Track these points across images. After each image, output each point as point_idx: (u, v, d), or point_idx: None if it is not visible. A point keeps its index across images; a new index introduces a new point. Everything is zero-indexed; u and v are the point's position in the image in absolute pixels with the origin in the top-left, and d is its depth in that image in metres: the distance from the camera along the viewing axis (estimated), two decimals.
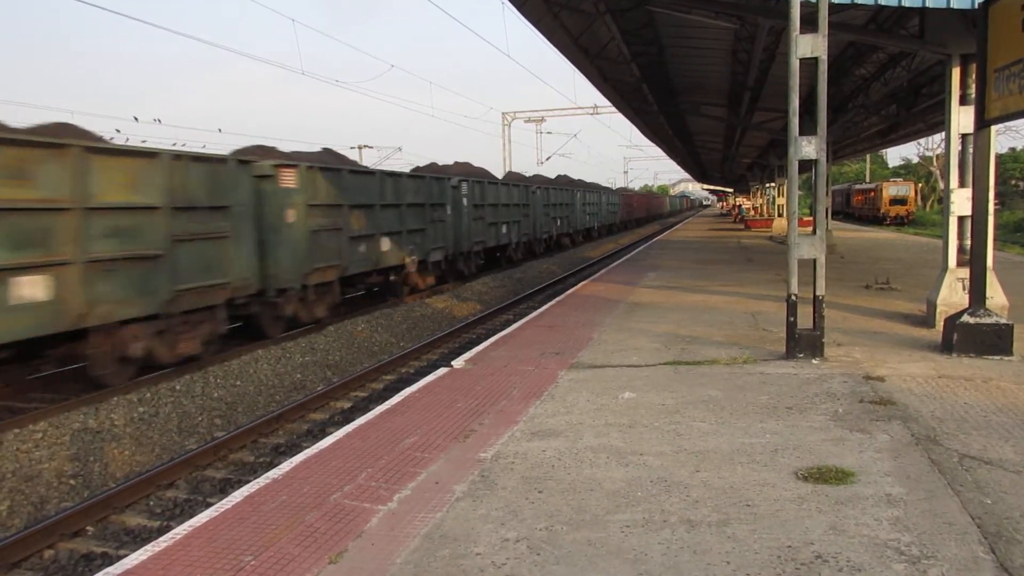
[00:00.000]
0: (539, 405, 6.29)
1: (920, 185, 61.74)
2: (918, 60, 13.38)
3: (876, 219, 49.80)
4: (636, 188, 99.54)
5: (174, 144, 20.06)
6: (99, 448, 7.66)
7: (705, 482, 4.50)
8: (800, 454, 4.92)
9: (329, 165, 13.61)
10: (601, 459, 4.95)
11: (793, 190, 7.80)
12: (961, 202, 8.62)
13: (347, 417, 8.74)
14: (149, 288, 9.29)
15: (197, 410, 9.04)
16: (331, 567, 3.63)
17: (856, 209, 56.66)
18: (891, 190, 50.28)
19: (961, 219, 8.75)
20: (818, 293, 7.59)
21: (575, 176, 50.53)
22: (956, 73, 8.61)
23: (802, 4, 7.38)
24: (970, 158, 8.29)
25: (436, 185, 18.05)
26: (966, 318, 7.63)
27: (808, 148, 7.50)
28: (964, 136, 8.55)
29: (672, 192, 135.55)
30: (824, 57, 7.32)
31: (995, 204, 10.65)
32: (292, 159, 13.09)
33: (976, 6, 7.46)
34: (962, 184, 8.66)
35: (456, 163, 23.79)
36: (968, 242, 8.30)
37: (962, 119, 8.52)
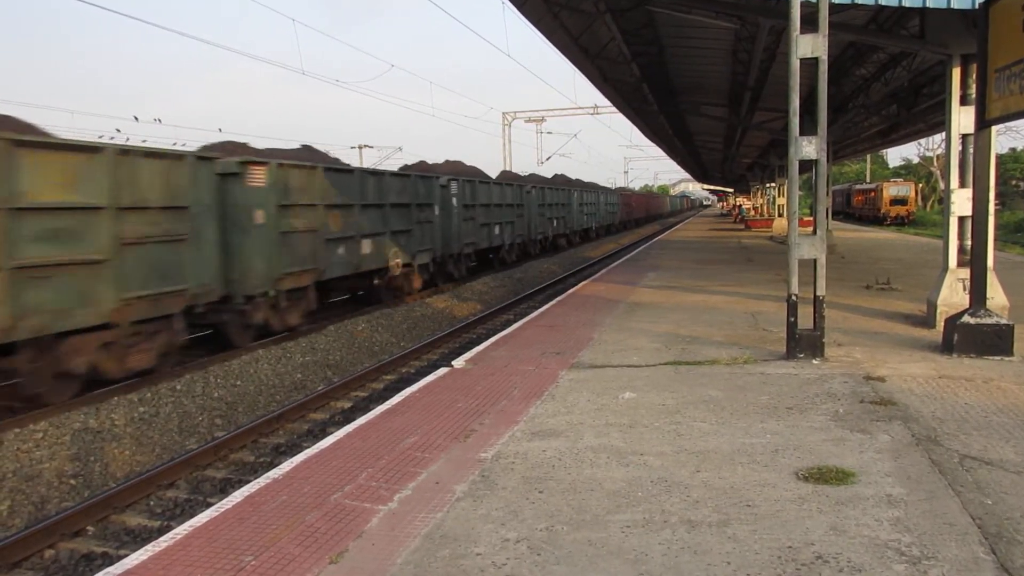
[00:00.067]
0: (540, 405, 6.29)
1: (920, 185, 61.72)
2: (918, 60, 13.37)
3: (876, 219, 49.79)
4: (636, 188, 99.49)
5: (174, 144, 20.02)
6: (99, 448, 7.66)
7: (705, 482, 4.50)
8: (801, 454, 4.92)
9: (302, 163, 12.86)
10: (601, 459, 4.95)
11: (793, 190, 7.80)
12: (961, 202, 8.62)
13: (347, 417, 8.74)
14: (92, 297, 8.44)
15: (197, 410, 9.04)
16: (331, 567, 3.63)
17: (856, 209, 56.64)
18: (891, 190, 50.27)
19: (961, 219, 8.75)
20: (818, 293, 7.59)
21: (576, 176, 50.59)
22: (956, 73, 8.61)
23: (802, 4, 7.38)
24: (970, 158, 8.28)
25: (423, 184, 17.37)
26: (967, 318, 7.63)
27: (808, 148, 7.50)
28: (964, 136, 8.55)
29: (672, 192, 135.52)
30: (824, 57, 7.31)
31: (995, 204, 10.64)
32: (264, 156, 12.44)
33: (976, 6, 7.45)
34: (962, 184, 8.66)
35: (447, 161, 23.23)
36: (968, 242, 8.30)
37: (962, 119, 8.52)
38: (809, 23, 7.37)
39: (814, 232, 7.91)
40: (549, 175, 36.58)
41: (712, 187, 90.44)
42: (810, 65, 7.49)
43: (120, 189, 8.84)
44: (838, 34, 8.61)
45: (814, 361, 7.53)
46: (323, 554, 3.76)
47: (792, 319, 7.61)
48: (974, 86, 8.09)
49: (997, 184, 12.69)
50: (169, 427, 8.48)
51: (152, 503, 6.69)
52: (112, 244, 8.72)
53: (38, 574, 5.53)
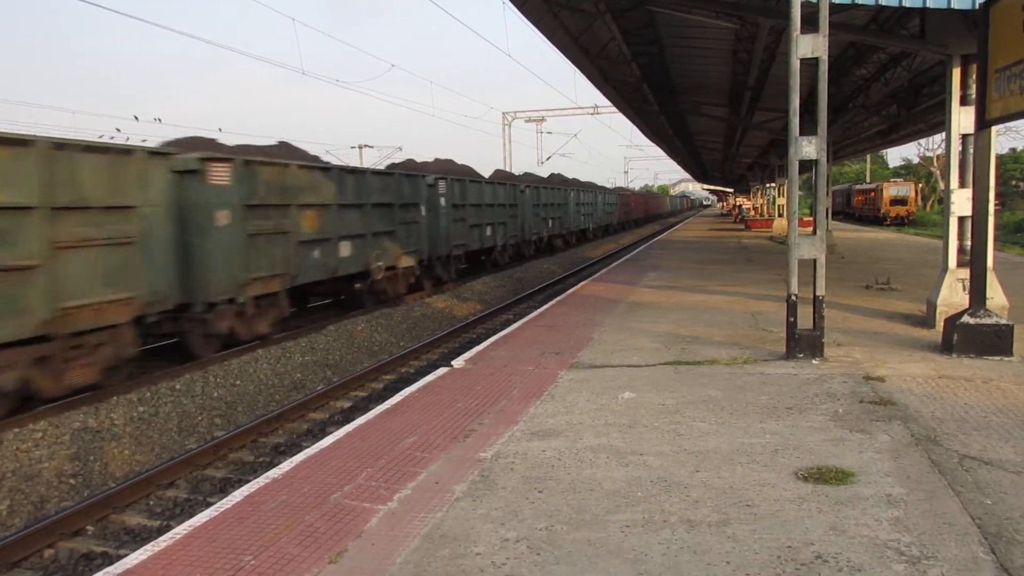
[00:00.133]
0: (539, 405, 6.29)
1: (920, 185, 61.73)
2: (919, 60, 13.37)
3: (876, 219, 49.81)
4: (636, 188, 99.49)
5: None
6: (99, 447, 7.66)
7: (705, 482, 4.50)
8: (800, 454, 4.92)
9: (272, 159, 12.01)
10: (601, 459, 4.95)
11: (793, 190, 7.80)
12: (961, 202, 8.62)
13: (347, 417, 8.74)
14: (19, 306, 7.62)
15: (197, 409, 9.04)
16: (331, 567, 3.63)
17: (856, 209, 56.66)
18: (891, 190, 50.29)
19: (961, 219, 8.75)
20: (818, 293, 7.59)
21: (576, 176, 50.51)
22: (957, 73, 8.61)
23: (803, 4, 7.38)
24: (970, 158, 8.29)
25: (408, 183, 16.50)
26: (966, 318, 7.63)
27: (808, 148, 7.50)
28: (965, 136, 8.55)
29: (672, 192, 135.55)
30: (825, 57, 7.31)
31: (995, 204, 10.65)
32: (233, 153, 11.60)
33: (977, 6, 7.46)
34: (962, 184, 8.66)
35: (437, 160, 22.58)
36: (968, 242, 8.30)
37: (963, 119, 8.52)
38: (809, 23, 7.37)
39: (814, 232, 7.91)
40: (548, 175, 36.40)
41: (712, 187, 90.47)
42: (810, 65, 7.50)
43: (55, 187, 8.03)
44: (838, 34, 8.62)
45: (814, 361, 7.53)
46: (323, 554, 3.76)
47: (792, 319, 7.61)
48: (974, 86, 8.09)
49: (997, 184, 12.70)
50: (169, 427, 8.47)
51: (152, 503, 6.69)
52: (45, 248, 7.88)
53: (37, 574, 5.53)
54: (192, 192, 10.09)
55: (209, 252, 10.26)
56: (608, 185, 63.38)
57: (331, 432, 6.16)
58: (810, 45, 7.32)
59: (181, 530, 4.14)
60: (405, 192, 16.26)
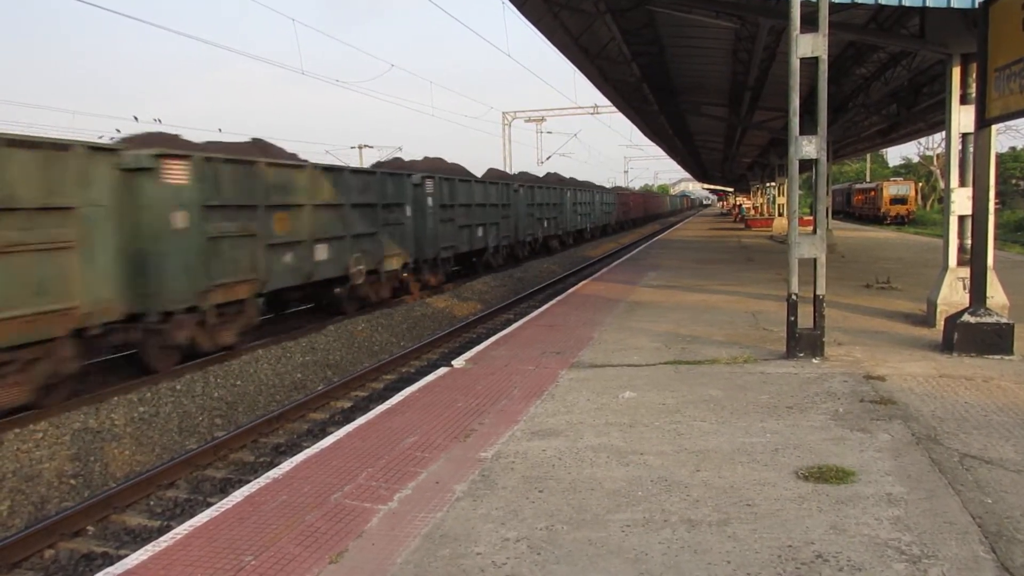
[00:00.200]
0: (539, 404, 6.29)
1: (920, 184, 61.75)
2: (918, 59, 13.37)
3: (876, 218, 49.82)
4: (636, 188, 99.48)
5: None
6: (99, 448, 7.66)
7: (706, 481, 4.50)
8: (801, 453, 4.92)
9: (237, 157, 11.12)
10: (601, 458, 4.95)
11: (793, 189, 7.79)
12: (961, 201, 8.62)
13: (347, 417, 8.75)
14: None
15: (197, 410, 9.04)
16: (331, 567, 3.63)
17: (856, 208, 56.67)
18: (891, 189, 50.31)
19: (961, 218, 8.75)
20: (818, 292, 7.59)
21: (578, 176, 50.39)
22: (956, 72, 8.61)
23: (803, 4, 7.38)
24: (970, 157, 8.29)
25: (392, 182, 15.75)
26: (967, 317, 7.63)
27: (808, 147, 7.50)
28: (964, 135, 8.55)
29: (672, 191, 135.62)
30: (824, 56, 7.31)
31: (995, 203, 10.65)
32: (198, 150, 10.82)
33: (976, 6, 7.45)
34: (962, 183, 8.66)
35: (426, 158, 21.93)
36: (968, 241, 8.30)
37: (962, 118, 8.52)
38: (809, 23, 7.37)
39: (814, 231, 7.91)
40: (543, 174, 36.05)
41: (712, 187, 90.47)
42: (810, 64, 7.49)
43: None
44: (838, 33, 8.61)
45: (814, 360, 7.53)
46: (323, 554, 3.76)
47: (792, 318, 7.61)
48: (974, 85, 8.09)
49: (997, 183, 12.70)
50: (169, 427, 8.48)
51: (152, 503, 6.69)
52: None
53: (38, 574, 5.53)
54: (145, 192, 9.30)
55: (164, 257, 9.50)
56: (608, 185, 63.31)
57: (331, 432, 6.16)
58: (810, 44, 7.32)
59: (182, 530, 4.14)
60: (389, 192, 15.57)
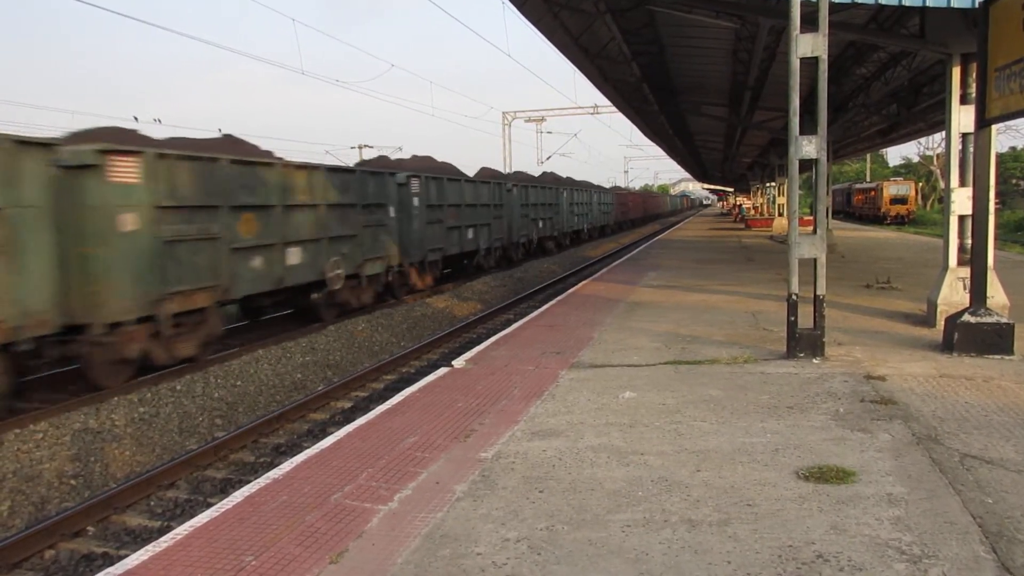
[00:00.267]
0: (540, 405, 6.29)
1: (920, 184, 61.76)
2: (919, 59, 13.37)
3: (876, 218, 49.83)
4: (636, 187, 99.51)
5: None
6: (100, 448, 7.66)
7: (706, 482, 4.50)
8: (801, 453, 4.92)
9: (196, 154, 10.28)
10: (602, 459, 4.95)
11: (794, 189, 7.79)
12: (962, 201, 8.62)
13: (348, 417, 8.75)
14: None
15: (198, 410, 9.04)
16: (332, 567, 3.63)
17: (856, 208, 56.68)
18: (891, 189, 50.33)
19: (962, 218, 8.75)
20: (819, 292, 7.59)
21: (578, 176, 50.34)
22: (957, 72, 8.61)
23: (803, 3, 7.38)
24: (971, 157, 8.28)
25: (374, 182, 14.91)
26: (967, 317, 7.63)
27: (809, 147, 7.50)
28: (965, 135, 8.55)
29: (672, 191, 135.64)
30: (824, 56, 7.31)
31: (995, 203, 10.64)
32: (160, 146, 10.18)
33: (977, 5, 7.45)
34: (963, 183, 8.66)
35: (414, 157, 21.20)
36: (969, 241, 8.30)
37: (963, 118, 8.52)
38: (809, 22, 7.37)
39: (814, 231, 7.90)
40: (539, 174, 35.65)
41: (712, 187, 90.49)
42: (810, 64, 7.49)
43: None
44: (838, 33, 8.61)
45: (814, 360, 7.52)
46: (323, 554, 3.76)
47: (792, 318, 7.61)
48: (974, 85, 8.09)
49: (997, 183, 12.70)
50: (169, 427, 8.48)
51: (152, 503, 6.69)
52: None
53: (38, 574, 5.53)
54: (88, 191, 8.47)
55: (110, 263, 8.65)
56: (607, 185, 63.24)
57: (332, 432, 6.16)
58: (810, 44, 7.32)
59: (182, 531, 4.14)
60: (370, 191, 14.70)
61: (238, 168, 10.93)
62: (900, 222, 47.73)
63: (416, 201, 16.70)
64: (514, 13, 12.74)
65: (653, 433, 5.45)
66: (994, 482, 4.35)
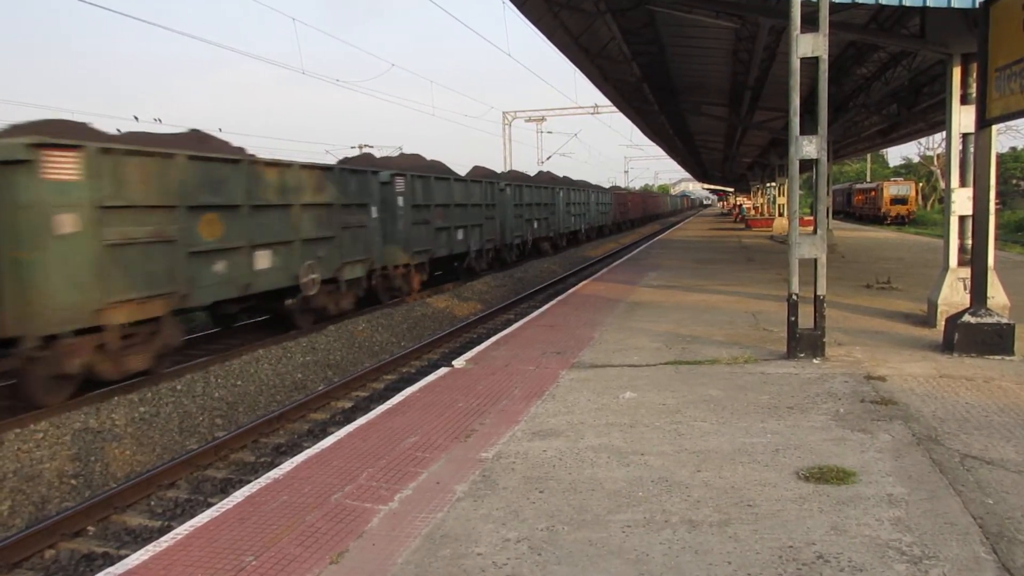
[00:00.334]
0: (540, 405, 6.29)
1: (921, 184, 61.75)
2: (919, 59, 13.37)
3: (877, 218, 49.83)
4: (637, 187, 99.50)
5: None
6: (100, 448, 7.66)
7: (706, 482, 4.50)
8: (801, 454, 4.92)
9: (147, 149, 9.42)
10: (602, 459, 4.95)
11: (794, 189, 7.79)
12: (962, 201, 8.62)
13: (348, 417, 8.75)
14: None
15: (198, 410, 9.04)
16: (332, 567, 3.63)
17: (857, 208, 56.67)
18: (892, 189, 50.32)
19: (962, 218, 8.75)
20: (819, 293, 7.59)
21: (582, 177, 50.24)
22: (957, 72, 8.60)
23: (803, 3, 7.37)
24: (971, 157, 8.28)
25: (355, 180, 14.08)
26: (967, 318, 7.63)
27: (809, 147, 7.49)
28: (965, 135, 8.55)
29: (673, 191, 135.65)
30: (825, 56, 7.31)
31: (996, 203, 10.64)
32: (115, 142, 9.45)
33: (977, 5, 7.45)
34: (963, 183, 8.66)
35: (402, 154, 20.50)
36: (969, 241, 8.29)
37: (963, 118, 8.51)
38: (809, 22, 7.37)
39: (814, 231, 7.90)
40: (535, 173, 35.26)
41: (712, 187, 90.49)
42: (810, 64, 7.49)
43: None
44: (839, 33, 8.62)
45: (815, 360, 7.52)
46: (324, 554, 3.76)
47: (793, 318, 7.61)
48: (974, 85, 8.09)
49: (997, 183, 12.70)
50: (170, 427, 8.48)
51: (153, 503, 6.70)
52: None
53: (38, 574, 5.53)
54: (20, 190, 7.75)
55: (44, 269, 7.89)
56: (607, 185, 63.16)
57: (332, 432, 6.16)
58: (810, 44, 7.31)
59: (182, 530, 4.14)
60: (350, 191, 13.88)
61: (198, 165, 10.07)
62: (900, 222, 47.73)
63: (401, 201, 16.00)
64: (514, 13, 12.75)
65: (653, 433, 5.45)
66: (994, 483, 4.35)
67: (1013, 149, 64.44)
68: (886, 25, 11.42)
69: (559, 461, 4.94)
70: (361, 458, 5.16)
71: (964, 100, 8.55)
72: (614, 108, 27.14)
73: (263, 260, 11.35)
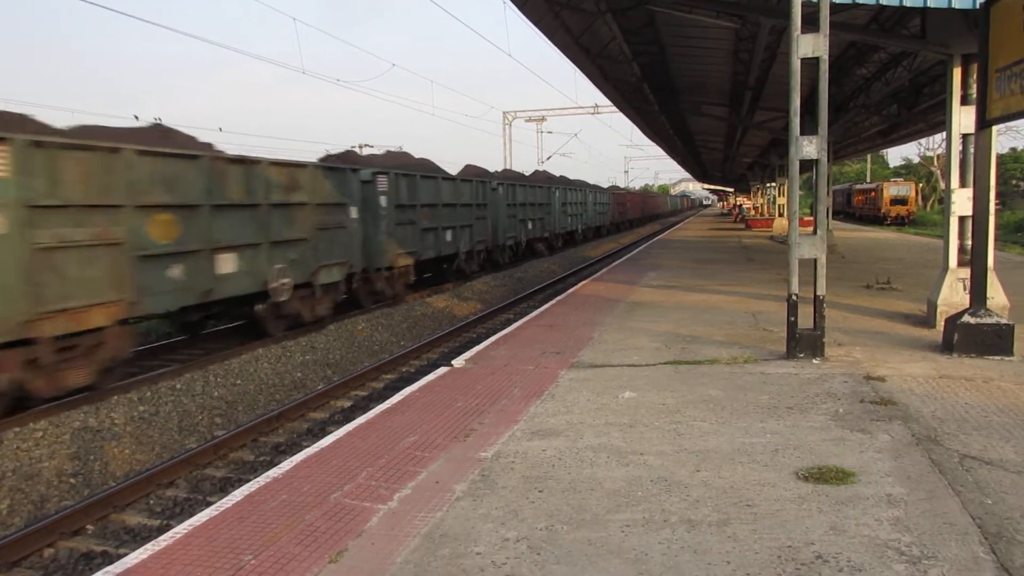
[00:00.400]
0: (539, 404, 6.29)
1: (921, 185, 61.77)
2: (919, 60, 13.38)
3: (877, 219, 49.84)
4: (637, 187, 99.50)
5: None
6: (99, 447, 7.66)
7: (705, 482, 4.50)
8: (801, 454, 4.92)
9: (90, 143, 8.54)
10: (601, 458, 4.95)
11: (794, 190, 7.79)
12: (962, 202, 8.62)
13: (347, 416, 8.75)
14: None
15: (197, 409, 9.04)
16: (331, 566, 3.63)
17: (857, 209, 56.68)
18: (892, 190, 50.34)
19: (962, 219, 8.75)
20: (819, 293, 7.59)
21: (579, 176, 50.23)
22: (957, 73, 8.61)
23: (803, 4, 7.38)
24: (971, 158, 8.29)
25: (333, 178, 13.32)
26: (967, 318, 7.63)
27: (809, 148, 7.50)
28: (965, 136, 8.55)
29: (673, 191, 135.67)
30: (825, 57, 7.31)
31: (996, 204, 10.65)
32: (67, 136, 8.58)
33: (978, 6, 7.45)
34: (963, 184, 8.66)
35: (389, 152, 19.71)
36: (969, 242, 8.30)
37: (963, 119, 8.52)
38: (810, 23, 7.37)
39: (814, 232, 7.91)
40: (531, 172, 34.85)
41: (712, 187, 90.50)
42: (811, 65, 7.49)
43: None
44: (839, 34, 8.62)
45: (814, 361, 7.52)
46: (323, 553, 3.76)
47: (792, 319, 7.61)
48: (975, 86, 8.09)
49: (997, 184, 12.70)
50: (169, 426, 8.47)
51: (152, 502, 6.70)
52: None
53: (37, 573, 5.53)
54: None
55: None
56: (607, 184, 63.10)
57: (331, 431, 6.16)
58: (811, 45, 7.32)
59: (181, 529, 4.14)
60: (327, 189, 13.09)
61: (149, 160, 9.15)
62: (900, 223, 47.74)
63: (383, 200, 15.09)
64: (515, 13, 12.74)
65: (653, 433, 5.45)
66: (993, 483, 4.35)
67: (1013, 150, 64.52)
68: (887, 25, 11.42)
69: (558, 461, 4.94)
70: (360, 457, 5.16)
71: (964, 101, 8.55)
72: (614, 108, 27.13)
73: (227, 264, 10.51)
